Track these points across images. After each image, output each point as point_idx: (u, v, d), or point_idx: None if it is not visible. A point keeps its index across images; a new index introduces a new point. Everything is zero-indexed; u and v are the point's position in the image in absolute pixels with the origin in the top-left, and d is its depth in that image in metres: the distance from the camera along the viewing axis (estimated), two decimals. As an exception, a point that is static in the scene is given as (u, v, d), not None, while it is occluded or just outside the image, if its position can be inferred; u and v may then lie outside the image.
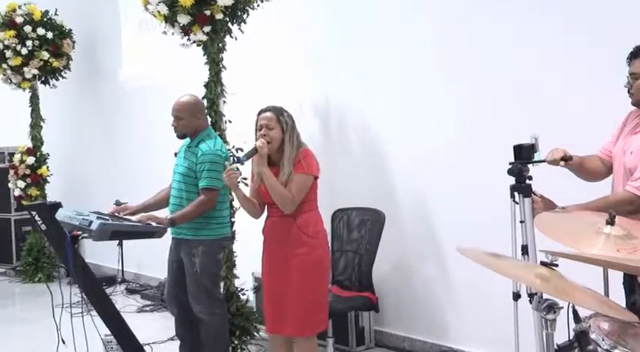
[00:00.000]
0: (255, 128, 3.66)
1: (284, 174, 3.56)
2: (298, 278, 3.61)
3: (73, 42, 7.49)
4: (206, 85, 4.82)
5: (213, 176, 3.93)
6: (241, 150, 4.71)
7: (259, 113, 3.66)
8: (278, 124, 3.60)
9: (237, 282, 4.86)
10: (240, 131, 4.77)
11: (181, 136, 4.13)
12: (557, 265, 2.18)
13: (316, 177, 3.66)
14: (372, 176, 4.95)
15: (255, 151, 3.57)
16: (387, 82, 4.83)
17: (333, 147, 5.17)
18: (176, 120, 4.07)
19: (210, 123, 4.42)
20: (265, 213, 3.78)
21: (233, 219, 4.71)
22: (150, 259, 6.67)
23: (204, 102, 4.57)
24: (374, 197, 4.79)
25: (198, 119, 4.08)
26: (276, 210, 3.65)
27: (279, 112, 3.64)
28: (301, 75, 5.39)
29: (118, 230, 3.74)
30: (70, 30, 7.48)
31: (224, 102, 4.88)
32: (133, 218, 3.97)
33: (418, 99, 4.64)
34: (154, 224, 3.83)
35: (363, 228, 4.54)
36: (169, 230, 4.01)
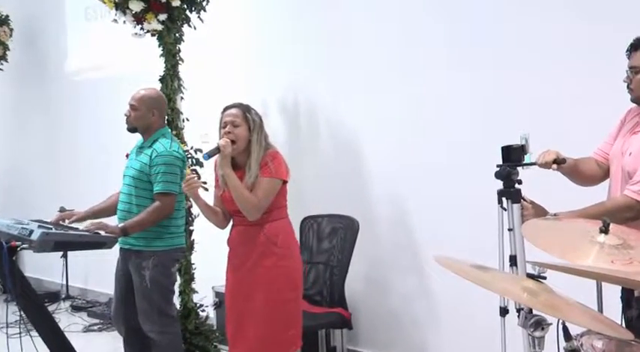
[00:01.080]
0: (219, 126, 3.65)
1: (250, 177, 3.55)
2: (266, 291, 3.60)
3: (11, 30, 7.42)
4: (162, 79, 4.82)
5: (170, 179, 3.91)
6: (200, 151, 4.71)
7: (224, 110, 3.66)
8: (244, 122, 3.60)
9: (195, 297, 4.85)
10: (200, 130, 4.78)
11: (131, 129, 4.10)
12: (544, 277, 2.18)
13: (285, 182, 3.66)
14: (344, 179, 4.95)
15: (217, 150, 3.54)
16: (363, 75, 4.82)
17: (302, 147, 5.17)
18: (131, 109, 4.05)
19: (166, 122, 4.39)
20: (231, 222, 3.78)
21: (192, 227, 4.71)
22: (98, 272, 6.60)
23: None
24: (347, 202, 4.79)
25: (153, 115, 4.05)
26: (241, 218, 3.64)
27: (246, 109, 3.64)
28: (267, 68, 5.39)
29: (63, 240, 3.70)
30: (7, 16, 7.39)
31: (181, 98, 4.88)
32: (80, 226, 3.94)
33: (396, 95, 4.64)
34: (103, 233, 3.80)
35: (334, 237, 4.55)
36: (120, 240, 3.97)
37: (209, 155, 3.56)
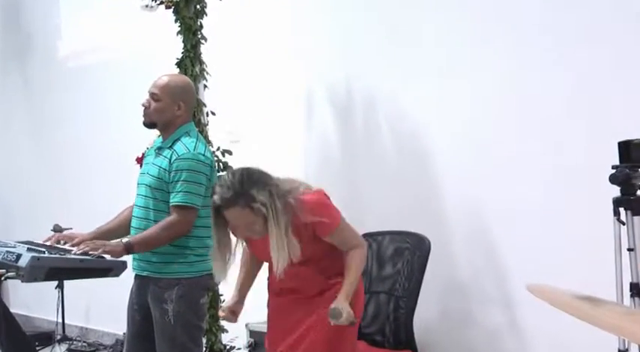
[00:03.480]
0: (217, 218, 3.46)
1: (278, 263, 3.42)
2: (319, 331, 3.60)
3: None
4: (179, 63, 4.83)
5: (192, 190, 3.90)
6: (229, 153, 4.72)
7: (219, 208, 3.41)
8: (255, 215, 3.39)
9: (225, 337, 4.84)
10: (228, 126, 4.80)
11: (149, 124, 4.08)
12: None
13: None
14: (410, 187, 4.94)
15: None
16: (432, 58, 4.79)
17: (356, 149, 5.16)
18: (151, 98, 4.04)
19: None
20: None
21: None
22: (103, 307, 6.67)
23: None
24: (414, 216, 4.78)
25: (179, 108, 4.04)
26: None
27: (249, 200, 3.36)
28: (312, 49, 5.38)
29: (58, 266, 3.70)
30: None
31: (205, 86, 4.88)
32: (76, 249, 3.91)
33: (474, 83, 4.61)
34: (107, 257, 3.81)
35: (399, 260, 4.51)
36: (130, 265, 3.99)
37: None
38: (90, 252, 3.77)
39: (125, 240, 3.90)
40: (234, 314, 3.71)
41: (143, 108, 4.04)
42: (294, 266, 3.45)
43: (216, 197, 3.36)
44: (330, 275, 3.63)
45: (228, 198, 3.33)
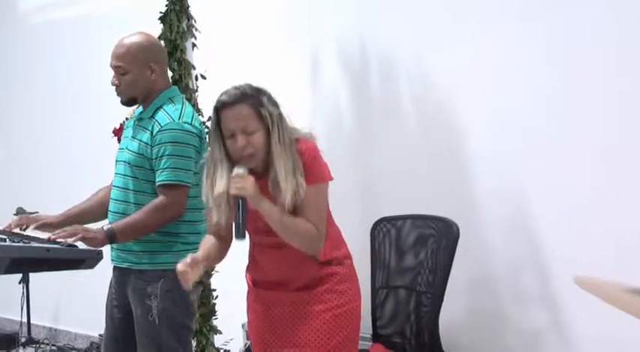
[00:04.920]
0: (215, 132, 3.52)
1: (285, 198, 3.45)
2: (315, 332, 3.59)
3: None
4: (163, 18, 4.83)
5: (180, 165, 3.90)
6: None
7: (221, 107, 3.50)
8: (260, 123, 3.47)
9: (218, 340, 4.84)
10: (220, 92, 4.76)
11: (127, 101, 4.10)
12: None
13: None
14: (435, 164, 4.94)
15: (241, 199, 3.42)
16: (468, 9, 4.78)
17: (373, 120, 5.16)
18: (117, 73, 4.04)
19: (172, 82, 4.40)
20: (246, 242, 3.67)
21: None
22: (75, 305, 6.67)
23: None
24: (439, 198, 4.80)
25: (152, 72, 4.04)
26: (265, 236, 3.59)
27: (257, 103, 3.48)
28: (324, 3, 5.38)
29: (22, 256, 3.69)
30: None
31: (193, 45, 4.88)
32: (44, 235, 3.93)
33: (520, 47, 4.60)
34: (80, 244, 3.80)
35: (422, 248, 4.52)
36: (109, 254, 4.00)
37: (241, 226, 3.42)
38: (62, 239, 3.75)
39: (106, 226, 3.89)
40: (191, 266, 3.44)
41: (115, 87, 4.06)
42: (278, 249, 3.55)
43: (219, 98, 3.46)
44: (323, 262, 3.60)
45: (235, 94, 3.43)
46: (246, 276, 3.80)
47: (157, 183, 3.93)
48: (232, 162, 3.45)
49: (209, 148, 3.54)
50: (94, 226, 3.97)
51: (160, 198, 3.91)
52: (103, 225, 3.95)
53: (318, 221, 3.51)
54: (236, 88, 3.46)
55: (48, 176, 6.87)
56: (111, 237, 3.85)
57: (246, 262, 3.78)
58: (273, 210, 3.42)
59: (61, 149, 6.90)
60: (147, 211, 3.90)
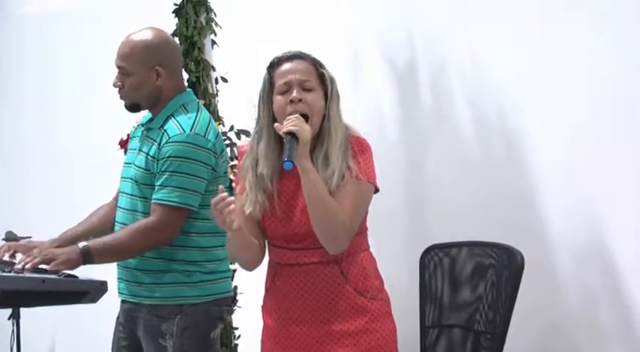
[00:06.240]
0: (265, 92, 3.65)
1: (332, 174, 3.54)
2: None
3: None
4: (177, 11, 4.84)
5: (185, 184, 3.91)
6: (246, 133, 4.71)
7: (277, 62, 3.65)
8: (319, 84, 3.62)
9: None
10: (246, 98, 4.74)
11: (131, 106, 4.12)
12: None
13: (376, 190, 3.70)
14: (497, 183, 4.92)
15: (293, 138, 3.47)
16: (532, 6, 4.75)
17: (421, 129, 5.14)
18: (120, 74, 4.06)
19: (187, 85, 4.41)
20: (267, 259, 3.77)
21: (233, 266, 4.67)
22: (73, 346, 6.66)
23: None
24: (501, 223, 4.78)
25: (158, 76, 4.05)
26: (294, 252, 3.65)
27: (318, 63, 3.65)
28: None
29: (12, 289, 3.75)
30: None
31: (213, 43, 4.91)
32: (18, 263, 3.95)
33: (596, 49, 4.54)
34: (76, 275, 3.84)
35: (481, 281, 4.45)
36: (116, 285, 4.03)
37: (291, 161, 3.45)
38: (39, 266, 3.79)
39: (82, 244, 3.89)
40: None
41: (118, 89, 4.08)
42: (301, 270, 3.63)
43: (273, 57, 3.66)
44: (360, 287, 3.65)
45: (293, 52, 3.67)
46: (262, 314, 3.82)
47: (153, 201, 3.94)
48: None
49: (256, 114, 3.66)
50: None
51: (152, 218, 3.92)
52: (80, 242, 3.95)
53: (353, 215, 3.56)
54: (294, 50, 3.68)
55: (43, 193, 6.90)
56: (86, 257, 3.84)
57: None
58: (314, 173, 3.50)
59: (59, 161, 6.96)
60: (132, 231, 3.92)
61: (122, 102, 4.12)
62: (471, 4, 4.98)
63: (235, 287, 4.76)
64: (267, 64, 3.63)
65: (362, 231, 3.70)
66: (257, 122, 3.64)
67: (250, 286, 4.66)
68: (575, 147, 4.62)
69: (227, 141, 4.68)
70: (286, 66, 3.62)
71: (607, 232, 4.54)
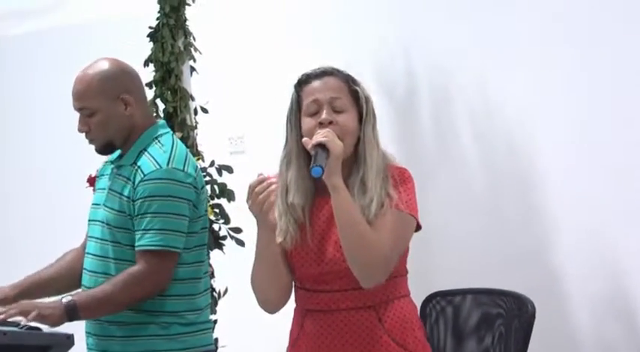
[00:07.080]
0: (293, 113, 3.59)
1: (370, 202, 3.48)
2: None
3: None
4: (152, 35, 4.84)
5: (168, 226, 3.84)
6: (228, 169, 4.73)
7: (305, 80, 3.59)
8: (353, 103, 3.56)
9: None
10: (228, 130, 4.73)
11: (104, 148, 4.04)
12: None
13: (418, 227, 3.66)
14: (504, 222, 4.95)
15: (324, 151, 3.43)
16: (536, 26, 4.80)
17: (424, 162, 5.17)
18: (83, 117, 3.98)
19: (163, 117, 4.40)
20: (293, 299, 3.70)
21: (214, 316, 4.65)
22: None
23: (150, 70, 4.61)
24: (510, 267, 4.79)
25: (126, 106, 3.98)
26: (327, 294, 3.57)
27: (350, 80, 3.60)
28: (350, 12, 5.40)
29: None
30: None
31: (192, 69, 4.89)
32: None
33: (604, 66, 4.60)
34: (38, 325, 3.71)
35: (488, 332, 4.43)
36: (85, 340, 3.96)
37: (320, 166, 3.41)
38: (13, 319, 3.71)
39: (66, 298, 3.80)
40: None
41: (84, 133, 4.01)
42: (332, 317, 3.54)
43: (301, 75, 3.60)
44: (399, 337, 3.55)
45: (322, 69, 3.58)
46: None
47: (137, 248, 3.86)
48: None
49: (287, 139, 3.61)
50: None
51: (138, 267, 3.84)
52: (63, 296, 3.85)
53: (393, 246, 3.48)
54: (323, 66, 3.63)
55: (11, 235, 6.86)
56: (71, 313, 3.76)
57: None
58: (346, 192, 3.43)
59: (21, 201, 6.93)
60: (119, 283, 3.83)
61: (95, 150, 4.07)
62: (476, 28, 5.04)
63: (216, 339, 4.73)
64: (295, 82, 3.59)
65: (402, 273, 3.64)
66: (285, 145, 3.59)
67: (233, 339, 4.65)
68: (592, 186, 4.69)
69: (207, 178, 4.63)
70: (315, 84, 3.57)
71: (627, 283, 4.60)
